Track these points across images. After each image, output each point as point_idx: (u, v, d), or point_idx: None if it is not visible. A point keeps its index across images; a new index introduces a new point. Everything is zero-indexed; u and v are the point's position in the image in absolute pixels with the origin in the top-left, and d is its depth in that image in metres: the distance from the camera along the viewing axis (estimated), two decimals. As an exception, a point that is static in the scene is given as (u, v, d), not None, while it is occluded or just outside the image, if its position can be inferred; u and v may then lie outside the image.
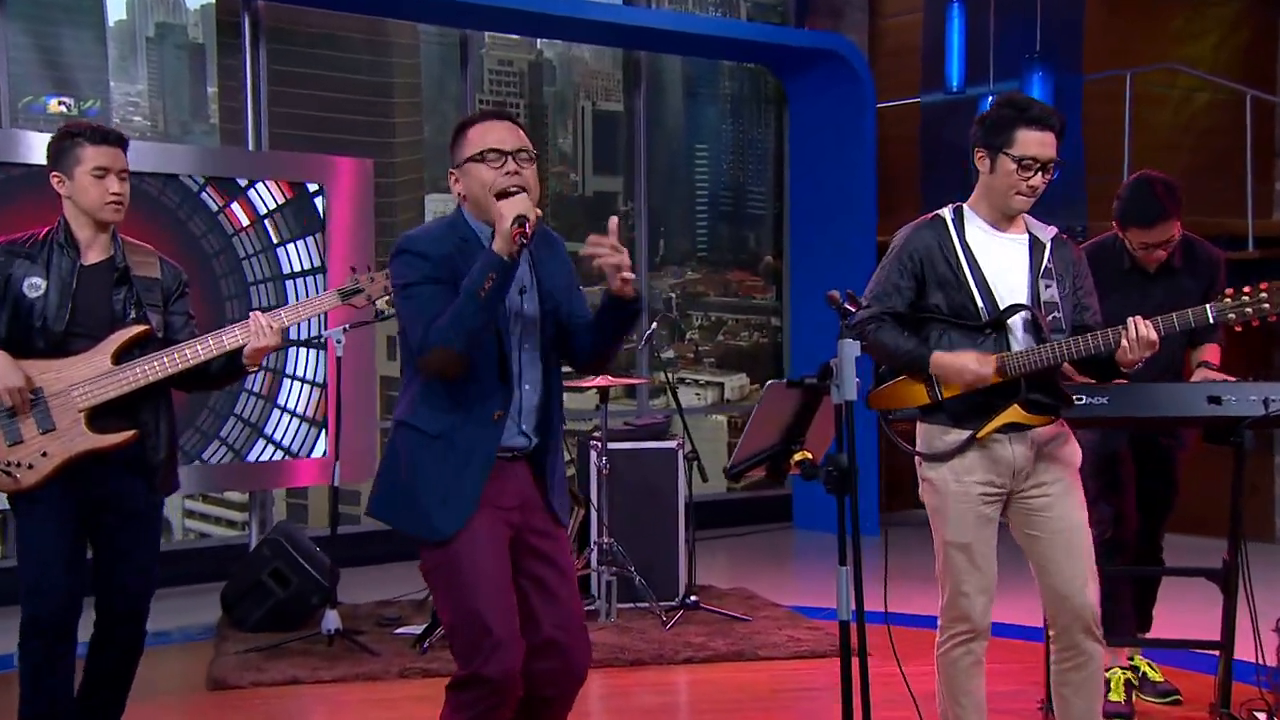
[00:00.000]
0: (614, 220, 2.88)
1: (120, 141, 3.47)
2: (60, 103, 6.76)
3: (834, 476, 2.66)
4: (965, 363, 3.26)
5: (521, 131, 2.97)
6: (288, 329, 3.58)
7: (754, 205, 9.33)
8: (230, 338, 3.46)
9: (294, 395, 6.58)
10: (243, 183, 6.38)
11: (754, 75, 9.32)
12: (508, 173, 2.87)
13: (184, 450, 6.25)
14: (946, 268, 3.30)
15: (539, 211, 2.83)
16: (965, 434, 3.30)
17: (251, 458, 6.45)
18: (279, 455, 6.52)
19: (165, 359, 3.41)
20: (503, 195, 2.86)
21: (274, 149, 7.14)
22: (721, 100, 9.31)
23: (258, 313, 3.48)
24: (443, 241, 2.90)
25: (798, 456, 2.85)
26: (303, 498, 7.53)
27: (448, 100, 8.11)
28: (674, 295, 9.04)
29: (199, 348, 3.44)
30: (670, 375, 7.29)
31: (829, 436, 2.89)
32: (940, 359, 3.29)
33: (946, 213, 3.39)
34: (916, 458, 3.38)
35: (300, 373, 6.57)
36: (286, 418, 6.57)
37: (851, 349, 2.67)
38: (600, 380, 5.71)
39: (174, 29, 7.39)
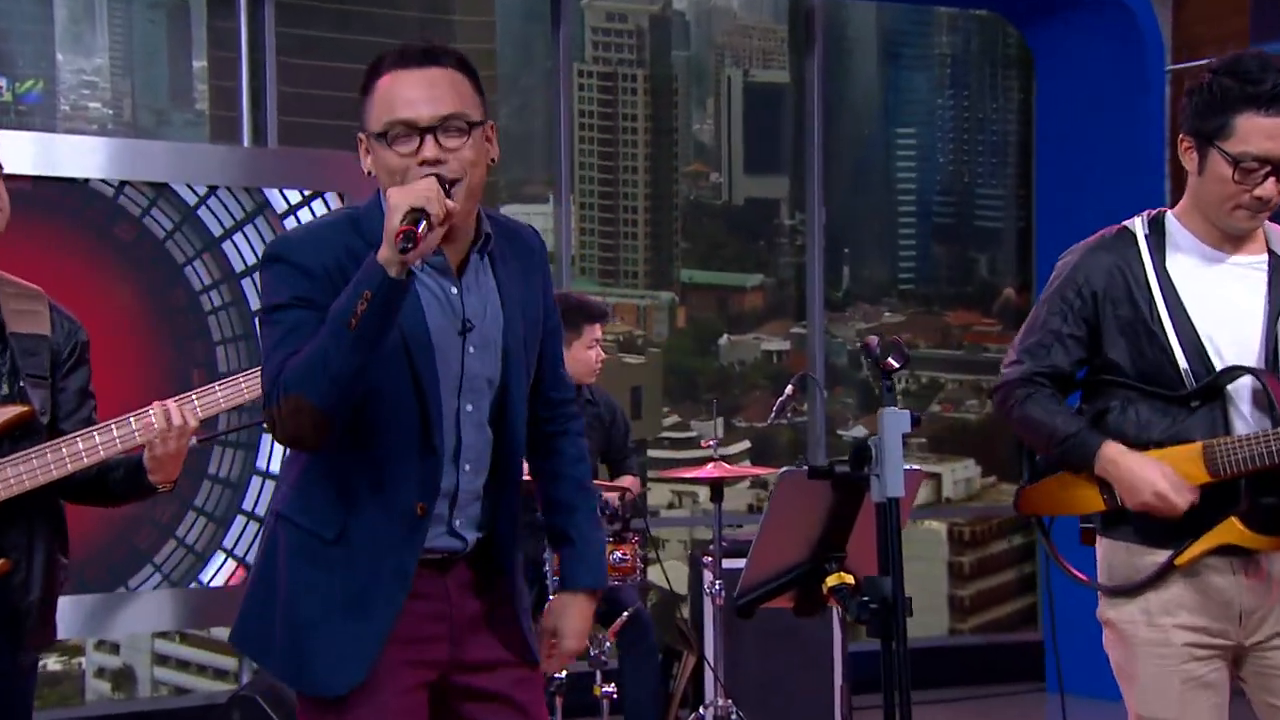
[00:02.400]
0: None
1: None
2: (-12, 84, 6.87)
3: (873, 612, 2.64)
4: (1150, 478, 3.17)
5: (458, 78, 2.83)
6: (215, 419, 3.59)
7: (985, 215, 9.15)
8: (124, 433, 3.37)
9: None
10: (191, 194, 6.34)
11: (984, 26, 9.13)
12: (424, 161, 2.76)
13: (166, 575, 6.17)
14: (1131, 308, 3.27)
15: (451, 204, 2.69)
16: (1162, 557, 3.23)
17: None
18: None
19: (49, 456, 3.33)
20: None
21: (285, 144, 7.15)
22: (936, 65, 9.16)
23: (167, 403, 3.37)
24: (333, 246, 2.81)
25: (833, 580, 2.86)
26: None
27: (533, 72, 8.06)
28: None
29: (97, 441, 3.36)
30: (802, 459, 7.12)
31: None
32: (1114, 459, 3.21)
33: (1138, 225, 3.36)
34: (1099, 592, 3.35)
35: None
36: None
37: (897, 421, 2.66)
38: (708, 470, 5.64)
39: (146, -19, 7.57)
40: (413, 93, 2.76)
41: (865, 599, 2.67)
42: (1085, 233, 7.86)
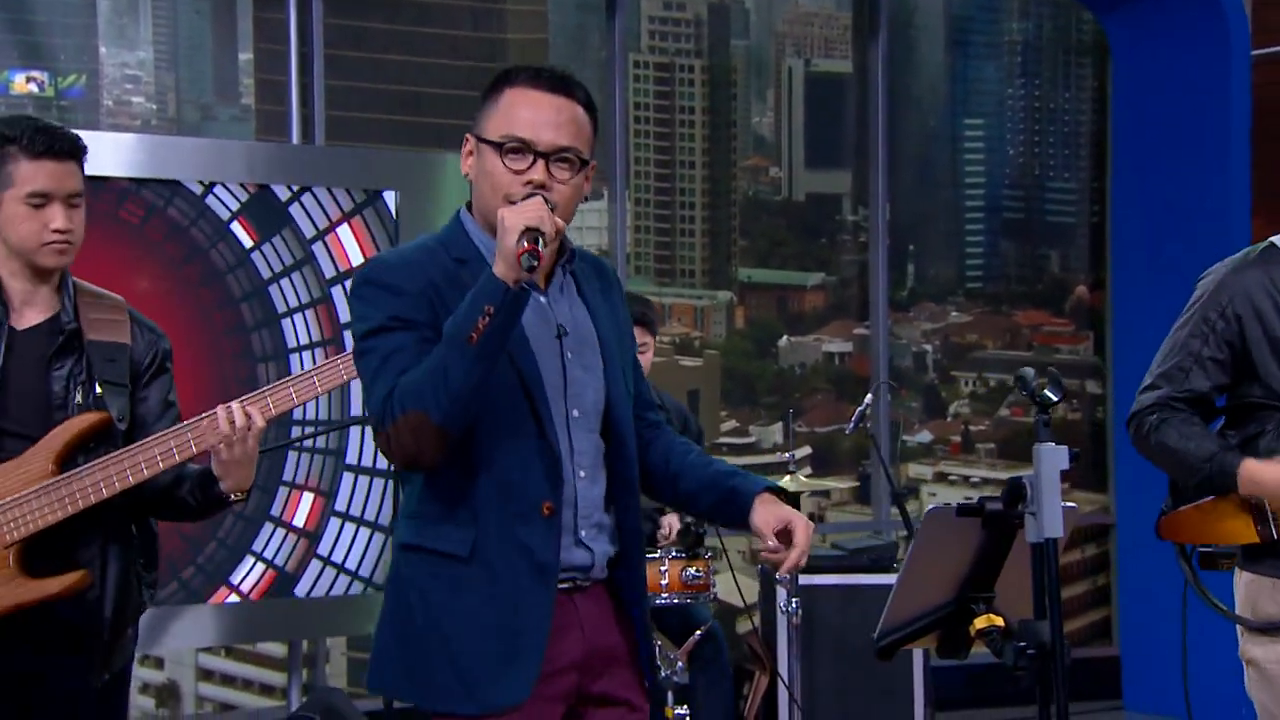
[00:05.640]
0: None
1: (74, 152, 3.49)
2: (30, 79, 6.84)
3: (1030, 658, 2.59)
4: None
5: (582, 116, 3.01)
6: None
7: (1057, 209, 9.08)
8: (182, 441, 3.40)
9: (355, 492, 6.51)
10: (283, 194, 6.36)
11: (1057, 11, 9.13)
12: (529, 182, 2.92)
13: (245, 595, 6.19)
14: None
15: (561, 224, 2.89)
16: None
17: (301, 588, 6.35)
18: (343, 583, 6.39)
19: (126, 465, 3.38)
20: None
21: (333, 141, 7.18)
22: (1006, 53, 9.12)
23: (231, 404, 3.42)
24: (425, 266, 2.97)
25: (982, 622, 2.81)
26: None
27: (587, 65, 8.03)
28: (930, 348, 8.82)
29: (156, 451, 3.39)
30: (894, 475, 7.04)
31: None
32: (1257, 472, 3.21)
33: None
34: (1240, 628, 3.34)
35: (362, 460, 6.47)
36: (347, 526, 6.47)
37: (1055, 457, 2.64)
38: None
39: (192, -28, 7.53)
40: (539, 115, 2.93)
41: (1022, 644, 2.63)
42: (1163, 227, 8.03)
